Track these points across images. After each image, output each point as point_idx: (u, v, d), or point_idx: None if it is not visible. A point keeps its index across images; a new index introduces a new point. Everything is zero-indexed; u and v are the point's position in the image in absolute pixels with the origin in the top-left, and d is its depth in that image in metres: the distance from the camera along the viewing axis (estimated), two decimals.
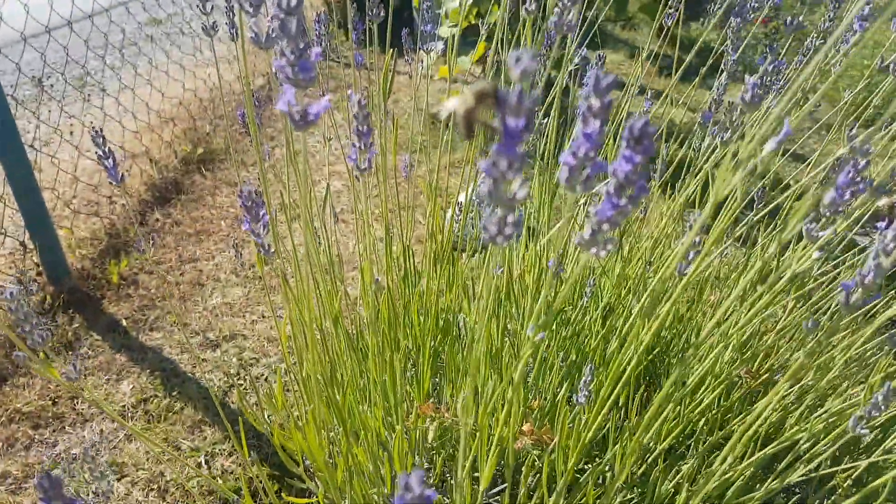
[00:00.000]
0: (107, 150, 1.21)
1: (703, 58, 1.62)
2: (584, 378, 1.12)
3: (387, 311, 1.52)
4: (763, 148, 0.81)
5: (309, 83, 0.60)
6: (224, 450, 1.97)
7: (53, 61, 3.10)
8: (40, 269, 2.56)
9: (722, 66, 1.70)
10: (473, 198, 1.81)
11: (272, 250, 0.98)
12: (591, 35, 1.73)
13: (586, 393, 1.13)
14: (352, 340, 1.42)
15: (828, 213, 0.96)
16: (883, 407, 1.07)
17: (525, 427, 1.28)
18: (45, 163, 2.91)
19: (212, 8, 1.31)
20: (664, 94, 1.74)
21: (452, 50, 1.51)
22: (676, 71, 1.57)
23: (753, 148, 0.81)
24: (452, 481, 1.27)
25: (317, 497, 1.39)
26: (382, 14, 1.29)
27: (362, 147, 1.00)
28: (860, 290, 0.86)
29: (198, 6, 1.34)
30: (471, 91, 0.61)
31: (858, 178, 0.94)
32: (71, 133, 3.11)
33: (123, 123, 3.40)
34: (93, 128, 1.19)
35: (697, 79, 1.72)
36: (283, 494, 1.78)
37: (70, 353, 2.31)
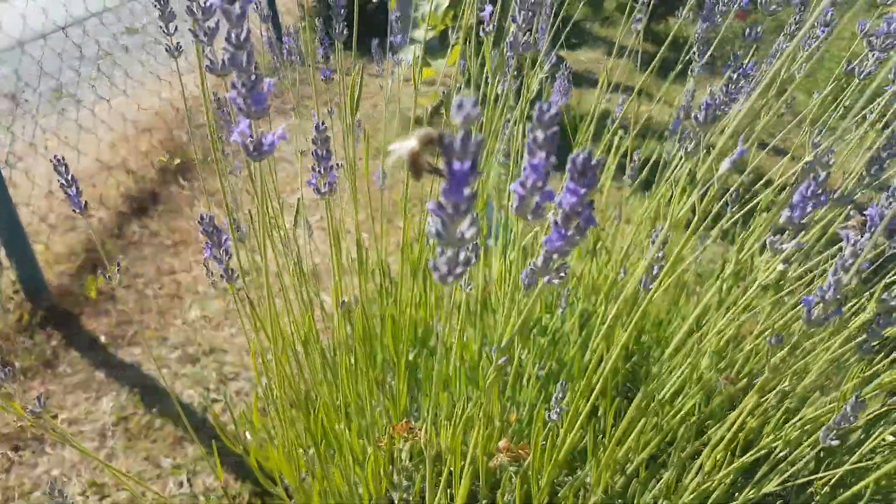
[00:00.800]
0: (69, 177, 1.20)
1: (680, 52, 1.63)
2: (555, 395, 1.12)
3: (361, 327, 1.51)
4: (719, 166, 0.82)
5: (262, 114, 0.61)
6: (206, 467, 1.96)
7: (28, 75, 3.07)
8: (17, 286, 2.54)
9: (689, 71, 1.71)
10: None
11: (236, 276, 0.97)
12: (569, 34, 1.73)
13: (559, 410, 1.13)
14: (326, 359, 1.42)
15: (790, 228, 0.97)
16: (852, 418, 1.08)
17: (502, 443, 1.28)
18: (20, 178, 2.89)
19: (175, 28, 1.30)
20: (635, 89, 1.74)
21: (418, 57, 1.50)
22: (653, 67, 1.57)
23: (709, 166, 0.81)
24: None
25: None
26: (346, 33, 1.29)
27: (322, 171, 0.99)
28: (821, 305, 0.86)
29: (160, 28, 1.33)
30: (416, 136, 0.61)
31: (819, 191, 0.95)
32: (46, 147, 3.08)
33: (99, 135, 3.37)
34: (55, 156, 1.18)
35: (672, 74, 1.72)
36: None
37: (49, 371, 2.30)
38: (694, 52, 1.65)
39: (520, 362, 1.65)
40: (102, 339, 2.44)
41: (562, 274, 0.64)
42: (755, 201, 1.55)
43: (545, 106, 0.56)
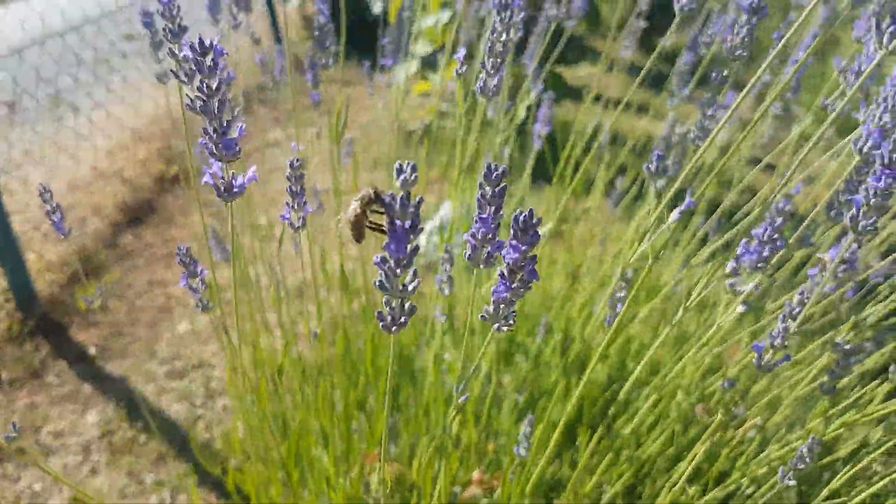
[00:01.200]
0: (54, 205, 1.21)
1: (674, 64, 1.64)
2: (523, 430, 1.13)
3: (343, 349, 1.53)
4: (670, 216, 0.83)
5: (233, 158, 0.63)
6: (189, 484, 1.96)
7: (26, 81, 3.08)
8: (7, 294, 2.55)
9: (669, 101, 1.72)
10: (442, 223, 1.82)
11: (211, 305, 0.98)
12: (568, 50, 1.74)
13: (527, 445, 1.14)
14: (304, 385, 1.43)
15: (748, 269, 0.98)
16: (808, 459, 1.09)
17: (475, 475, 1.29)
18: (15, 185, 2.90)
19: (163, 57, 1.31)
20: (622, 103, 1.75)
21: (413, 74, 1.52)
22: (645, 82, 1.59)
23: (661, 212, 0.82)
24: None
25: None
26: (338, 49, 1.30)
27: (295, 207, 1.00)
28: (771, 352, 0.87)
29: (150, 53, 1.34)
30: (357, 198, 0.64)
31: (775, 236, 0.96)
32: (43, 155, 3.10)
33: (97, 143, 3.39)
34: (40, 184, 1.20)
35: (664, 91, 1.73)
36: None
37: (36, 381, 2.31)
38: (673, 84, 1.67)
39: (499, 385, 1.66)
40: (91, 350, 2.45)
41: (510, 322, 0.65)
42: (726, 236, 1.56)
43: (494, 166, 0.58)
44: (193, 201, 3.48)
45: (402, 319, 0.60)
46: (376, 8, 4.54)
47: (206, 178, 0.78)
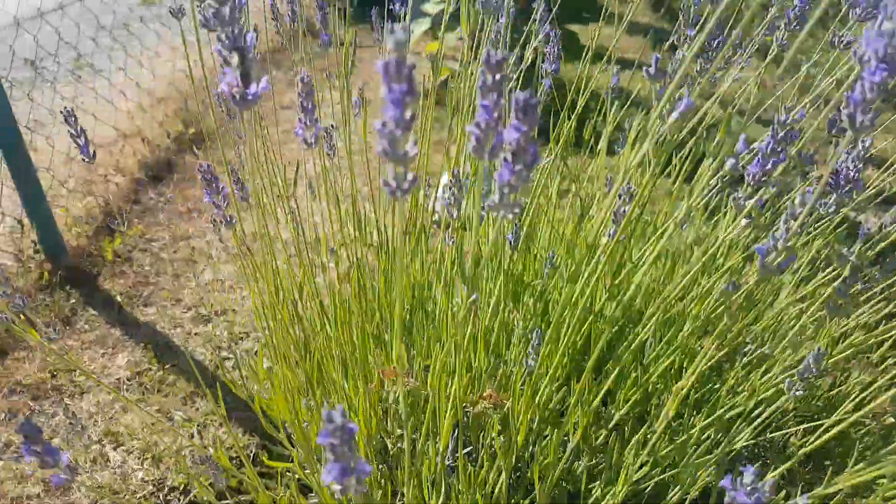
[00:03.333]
0: (78, 129, 1.27)
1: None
2: (532, 342, 1.20)
3: (357, 286, 1.60)
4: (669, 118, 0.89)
5: (247, 66, 0.67)
6: (215, 420, 2.06)
7: (47, 45, 3.15)
8: (38, 246, 2.64)
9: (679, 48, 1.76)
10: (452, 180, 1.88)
11: (234, 220, 1.04)
12: (582, 7, 1.78)
13: (534, 357, 1.21)
14: (324, 310, 1.51)
15: (751, 182, 1.04)
16: (814, 370, 1.16)
17: (486, 392, 1.36)
18: (40, 143, 2.99)
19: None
20: (635, 64, 1.80)
21: (424, 31, 1.58)
22: (656, 41, 1.64)
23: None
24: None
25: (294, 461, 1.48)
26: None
27: (307, 123, 1.06)
28: (773, 254, 0.94)
29: None
30: None
31: (779, 149, 1.02)
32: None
33: (116, 104, 3.47)
34: (64, 108, 1.26)
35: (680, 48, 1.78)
36: (264, 460, 1.88)
37: (67, 327, 2.41)
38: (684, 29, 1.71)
39: (508, 322, 1.73)
40: (118, 298, 2.55)
41: (515, 209, 0.70)
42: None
43: (493, 52, 0.63)
44: (211, 161, 3.56)
45: (406, 186, 0.64)
46: None
47: (222, 87, 0.83)
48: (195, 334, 2.40)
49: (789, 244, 0.91)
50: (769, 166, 1.00)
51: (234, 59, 0.66)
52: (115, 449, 1.99)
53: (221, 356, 2.30)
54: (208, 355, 2.30)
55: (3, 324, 1.20)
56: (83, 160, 1.27)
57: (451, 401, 1.08)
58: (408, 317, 1.69)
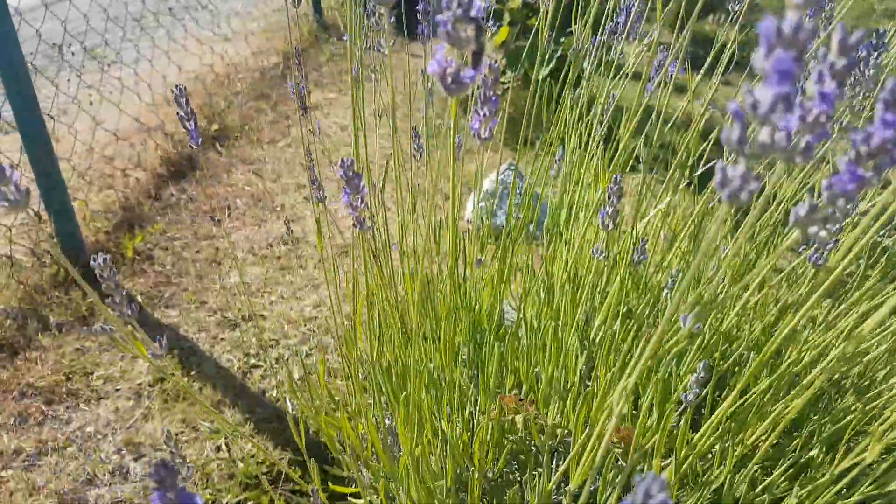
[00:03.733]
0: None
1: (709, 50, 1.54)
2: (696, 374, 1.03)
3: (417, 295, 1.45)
4: None
5: (469, 43, 0.51)
6: (244, 432, 1.91)
7: (72, 30, 3.02)
8: (55, 240, 2.49)
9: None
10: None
11: (369, 225, 0.88)
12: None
13: (696, 391, 1.03)
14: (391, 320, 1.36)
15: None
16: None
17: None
18: (61, 132, 2.85)
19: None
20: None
21: None
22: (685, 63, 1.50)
23: None
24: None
25: (358, 484, 1.32)
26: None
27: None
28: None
29: None
30: None
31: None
32: (91, 103, 3.04)
33: (141, 96, 3.33)
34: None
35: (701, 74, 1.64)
36: (304, 480, 1.73)
37: (84, 327, 2.25)
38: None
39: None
40: (139, 298, 2.40)
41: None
42: None
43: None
44: (235, 159, 3.42)
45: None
46: None
47: (433, 67, 0.64)
48: (221, 339, 2.25)
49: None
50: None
51: (468, 31, 0.50)
52: (135, 460, 1.83)
53: (250, 363, 2.14)
54: (236, 362, 2.14)
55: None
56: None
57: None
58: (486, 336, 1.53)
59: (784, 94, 0.37)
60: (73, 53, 3.45)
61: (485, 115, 0.58)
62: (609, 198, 0.96)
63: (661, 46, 1.53)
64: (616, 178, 0.96)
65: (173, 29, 3.83)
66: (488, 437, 1.20)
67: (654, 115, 1.38)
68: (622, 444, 1.14)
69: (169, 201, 3.00)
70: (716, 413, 1.02)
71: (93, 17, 2.98)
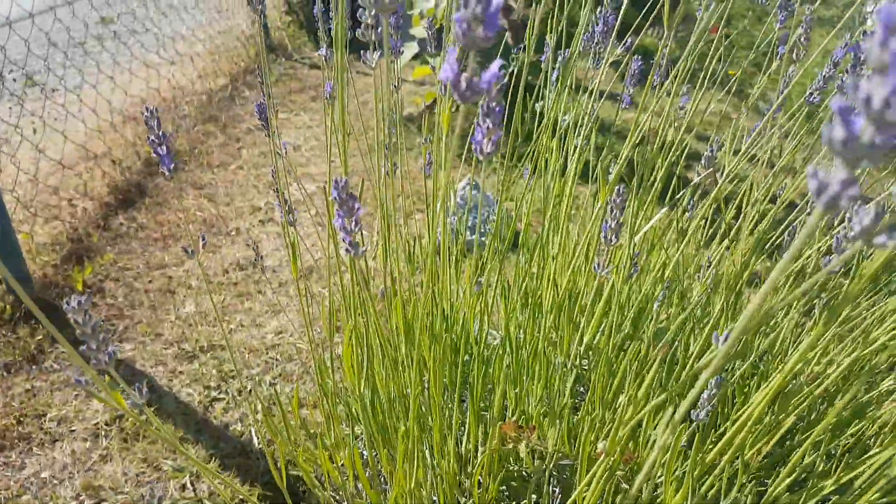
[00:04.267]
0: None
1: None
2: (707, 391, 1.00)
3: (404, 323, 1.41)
4: None
5: (487, 43, 0.46)
6: (210, 468, 1.84)
7: (15, 55, 2.91)
8: None
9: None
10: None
11: (362, 249, 0.83)
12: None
13: (709, 408, 1.01)
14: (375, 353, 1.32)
15: None
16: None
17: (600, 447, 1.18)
18: (3, 162, 2.74)
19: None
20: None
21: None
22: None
23: None
24: None
25: None
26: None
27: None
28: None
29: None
30: None
31: None
32: (34, 131, 2.93)
33: (84, 122, 3.23)
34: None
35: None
36: None
37: (34, 367, 2.16)
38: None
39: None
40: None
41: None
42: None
43: None
44: (185, 184, 3.34)
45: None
46: None
47: (445, 72, 0.60)
48: (179, 372, 2.17)
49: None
50: None
51: (486, 33, 0.46)
52: None
53: (211, 396, 2.07)
54: (196, 396, 2.07)
55: None
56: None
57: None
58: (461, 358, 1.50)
59: None
60: (14, 80, 3.33)
61: (488, 127, 0.56)
62: (611, 210, 0.95)
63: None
64: (619, 190, 0.94)
65: (118, 53, 3.73)
66: (483, 468, 1.17)
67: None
68: (623, 466, 1.12)
69: (119, 230, 2.90)
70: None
71: (33, 42, 2.88)
